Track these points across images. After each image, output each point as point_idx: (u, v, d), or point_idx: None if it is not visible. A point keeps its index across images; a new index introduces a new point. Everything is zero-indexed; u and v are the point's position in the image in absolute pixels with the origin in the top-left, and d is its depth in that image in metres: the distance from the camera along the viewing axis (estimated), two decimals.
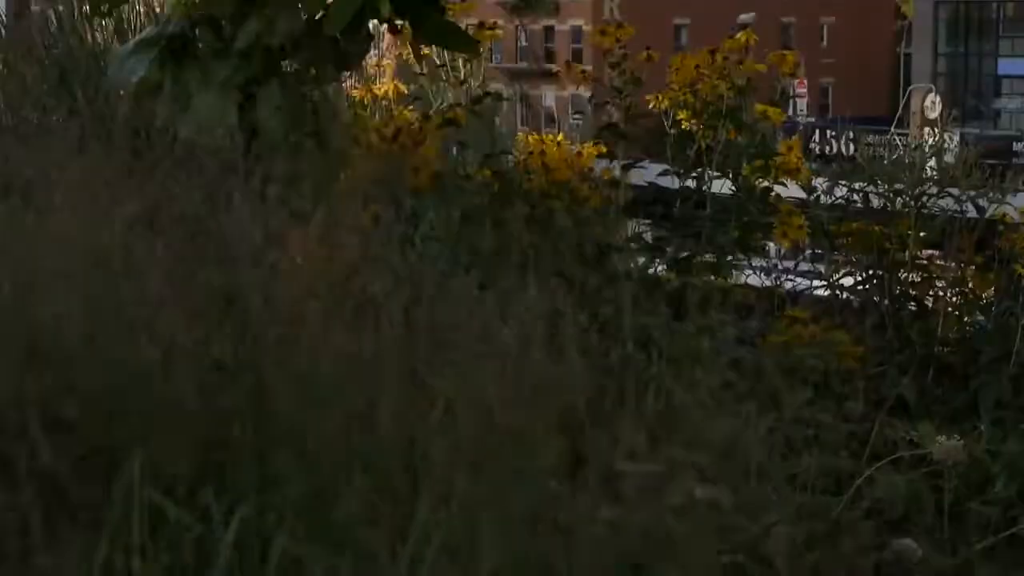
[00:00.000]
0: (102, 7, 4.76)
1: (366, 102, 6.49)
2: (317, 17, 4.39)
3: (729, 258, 5.76)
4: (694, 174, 5.94)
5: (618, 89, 5.94)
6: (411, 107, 6.27)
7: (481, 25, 6.20)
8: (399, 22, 4.45)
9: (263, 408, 2.68)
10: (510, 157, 6.03)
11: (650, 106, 6.12)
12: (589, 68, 6.52)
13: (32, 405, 2.55)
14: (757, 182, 5.93)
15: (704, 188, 5.91)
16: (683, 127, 6.02)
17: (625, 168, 5.79)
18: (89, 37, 7.75)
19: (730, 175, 5.96)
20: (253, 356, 2.80)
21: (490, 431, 2.57)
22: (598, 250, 5.18)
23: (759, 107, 6.09)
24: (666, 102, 6.06)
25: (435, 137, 5.56)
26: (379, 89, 6.47)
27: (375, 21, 4.65)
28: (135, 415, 2.63)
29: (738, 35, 6.14)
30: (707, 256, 5.68)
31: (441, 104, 6.33)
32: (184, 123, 4.53)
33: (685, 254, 5.67)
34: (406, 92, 6.63)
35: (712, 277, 5.55)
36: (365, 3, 4.26)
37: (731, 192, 5.95)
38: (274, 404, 2.69)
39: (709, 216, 5.73)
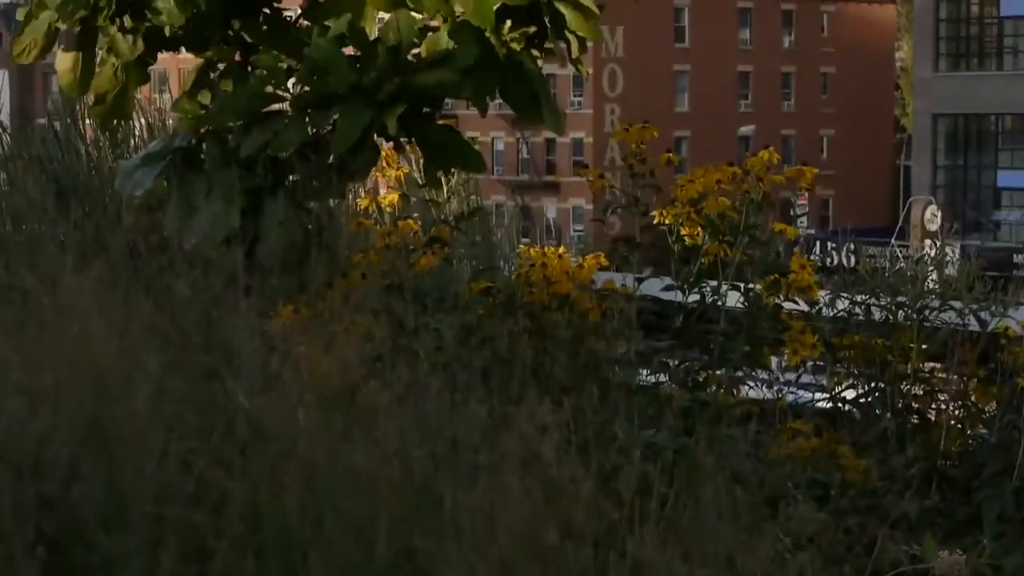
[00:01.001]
0: (108, 122, 4.80)
1: (371, 211, 6.52)
2: (323, 132, 4.43)
3: (739, 373, 5.77)
4: (699, 288, 5.96)
5: (635, 198, 5.96)
6: (414, 218, 6.29)
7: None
8: (404, 139, 4.49)
9: (255, 529, 2.67)
10: (512, 270, 6.05)
11: (655, 220, 6.14)
12: (604, 175, 6.54)
13: (20, 521, 2.53)
14: (769, 298, 5.95)
15: (710, 302, 5.92)
16: (687, 242, 6.05)
17: (639, 281, 5.82)
18: (91, 151, 7.81)
19: (741, 290, 5.98)
20: (248, 472, 2.79)
21: (503, 546, 2.56)
22: (601, 363, 5.18)
23: (777, 225, 6.14)
24: (670, 217, 6.08)
25: (435, 251, 5.58)
26: (384, 200, 6.50)
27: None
28: (119, 535, 2.62)
29: (761, 153, 6.20)
30: (717, 371, 5.69)
31: (444, 217, 6.36)
32: (189, 233, 4.55)
33: (697, 368, 5.67)
34: (411, 201, 6.66)
35: (721, 391, 5.55)
36: (372, 120, 4.30)
37: (740, 306, 5.96)
38: (266, 522, 2.67)
39: (720, 331, 5.74)
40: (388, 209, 6.42)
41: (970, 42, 61.75)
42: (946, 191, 61.54)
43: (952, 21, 61.77)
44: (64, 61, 4.57)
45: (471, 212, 6.28)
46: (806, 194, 6.75)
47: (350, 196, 6.92)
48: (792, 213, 6.69)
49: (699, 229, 6.06)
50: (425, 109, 4.43)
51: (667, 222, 6.09)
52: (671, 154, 6.20)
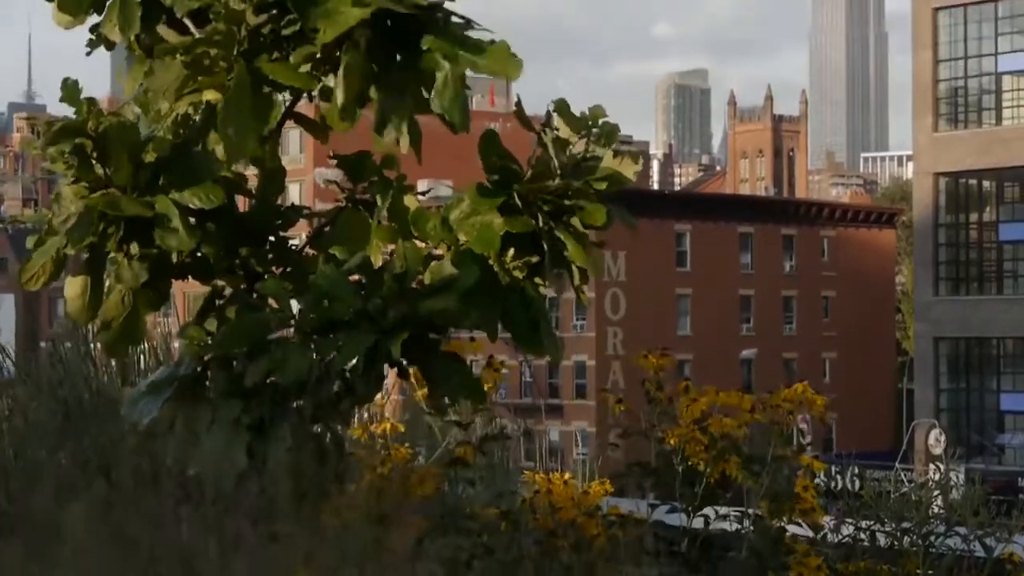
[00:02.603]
0: (115, 348, 4.82)
1: (363, 440, 6.51)
2: (327, 359, 4.45)
3: None
4: (702, 512, 5.95)
5: (652, 424, 5.99)
6: (415, 446, 6.30)
7: (489, 363, 6.27)
8: (408, 365, 4.53)
9: None
10: (517, 496, 6.04)
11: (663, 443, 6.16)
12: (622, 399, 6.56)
13: None
14: (773, 521, 5.95)
15: (715, 527, 5.92)
16: (691, 464, 6.05)
17: (652, 507, 5.81)
18: (97, 376, 7.83)
19: (744, 513, 5.98)
20: None
21: None
22: None
23: (803, 459, 6.17)
24: (675, 438, 6.10)
25: (435, 477, 5.58)
26: (377, 428, 6.50)
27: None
28: None
29: (796, 385, 6.27)
30: None
31: (447, 445, 6.36)
32: (194, 462, 4.54)
33: None
34: (403, 430, 6.66)
35: None
36: (377, 345, 4.32)
37: (745, 531, 5.95)
38: None
39: (726, 558, 5.72)
40: (382, 438, 6.42)
41: (970, 266, 62.25)
42: (949, 414, 61.48)
43: (951, 246, 62.35)
44: (73, 287, 4.60)
45: (496, 434, 6.29)
46: (807, 416, 6.78)
47: (355, 423, 6.93)
48: (800, 439, 6.68)
49: (703, 449, 6.07)
50: (431, 336, 4.45)
51: (672, 443, 6.11)
52: (688, 382, 6.25)
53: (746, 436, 6.12)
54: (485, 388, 5.14)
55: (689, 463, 6.07)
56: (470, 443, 5.97)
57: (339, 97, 4.34)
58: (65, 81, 4.30)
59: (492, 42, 4.46)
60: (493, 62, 4.42)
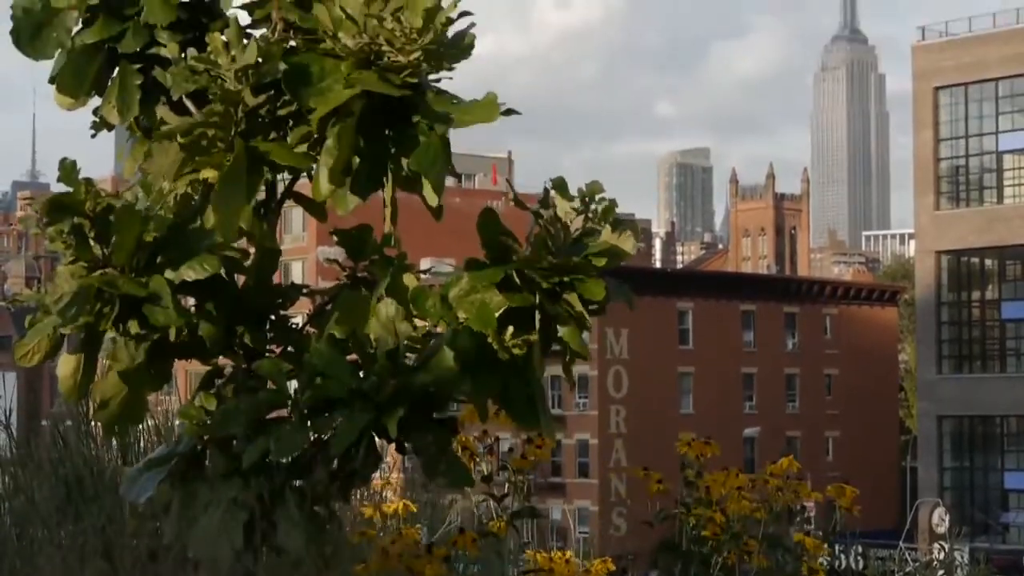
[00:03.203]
0: (113, 427, 4.82)
1: (375, 520, 6.49)
2: (326, 438, 4.44)
3: None
4: None
5: (686, 505, 6.01)
6: (420, 526, 6.29)
7: (486, 441, 6.25)
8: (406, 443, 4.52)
9: None
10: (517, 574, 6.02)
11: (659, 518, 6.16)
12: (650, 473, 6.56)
13: None
14: None
15: None
16: (708, 544, 6.07)
17: None
18: (97, 454, 7.83)
19: None
20: None
21: None
22: None
23: (796, 536, 6.18)
24: (692, 519, 6.11)
25: (441, 560, 5.56)
26: (388, 507, 6.49)
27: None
28: None
29: (781, 460, 6.29)
30: None
31: (449, 525, 6.34)
32: (192, 542, 4.53)
33: None
34: (415, 510, 6.65)
35: None
36: (372, 423, 4.32)
37: None
38: None
39: None
40: (392, 517, 6.40)
41: (972, 344, 62.26)
42: (953, 493, 61.29)
43: (954, 324, 62.38)
44: (65, 366, 4.61)
45: (527, 510, 6.28)
46: (812, 499, 6.79)
47: (354, 502, 6.91)
48: (805, 523, 6.69)
49: (719, 530, 6.08)
50: (434, 415, 4.45)
51: (689, 523, 6.12)
52: (739, 471, 6.27)
53: (763, 517, 6.13)
54: (471, 472, 5.12)
55: (709, 545, 6.09)
56: (503, 518, 5.99)
57: (325, 164, 4.36)
58: (63, 161, 4.32)
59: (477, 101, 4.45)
60: (474, 114, 4.42)
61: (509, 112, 4.47)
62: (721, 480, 6.12)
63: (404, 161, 4.44)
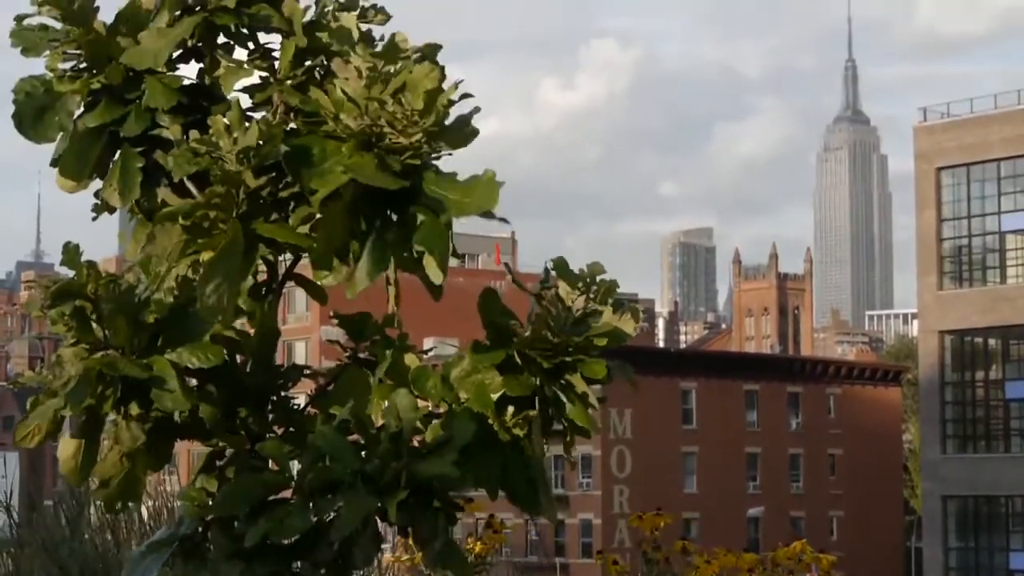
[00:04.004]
0: (113, 506, 4.81)
1: None
2: (327, 519, 4.43)
3: None
4: None
5: None
6: None
7: (489, 524, 6.24)
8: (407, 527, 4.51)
9: None
10: None
11: None
12: (618, 560, 6.55)
13: None
14: None
15: None
16: None
17: None
18: (98, 536, 7.80)
19: None
20: None
21: None
22: None
23: None
24: None
25: None
26: None
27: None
28: None
29: (793, 544, 6.28)
30: None
31: None
32: None
33: None
34: None
35: None
36: (375, 507, 4.31)
37: None
38: None
39: None
40: None
41: (977, 424, 62.13)
42: (958, 573, 61.00)
43: (958, 404, 62.28)
44: (66, 448, 4.60)
45: None
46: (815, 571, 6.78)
47: None
48: None
49: None
50: (434, 503, 4.44)
51: None
52: (685, 541, 6.24)
53: None
54: (471, 557, 5.11)
55: None
56: None
57: (315, 246, 4.39)
58: (66, 245, 4.35)
59: (476, 179, 4.47)
60: (475, 197, 4.43)
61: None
62: (721, 559, 6.10)
63: (408, 243, 4.46)
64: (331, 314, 5.36)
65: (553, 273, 4.84)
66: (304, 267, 4.87)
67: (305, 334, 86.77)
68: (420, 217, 4.36)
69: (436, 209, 4.34)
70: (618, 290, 4.94)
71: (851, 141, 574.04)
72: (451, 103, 4.23)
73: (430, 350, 5.66)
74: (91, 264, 4.31)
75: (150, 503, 7.76)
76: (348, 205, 4.28)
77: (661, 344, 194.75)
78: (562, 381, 4.60)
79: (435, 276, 4.46)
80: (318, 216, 4.36)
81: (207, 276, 4.29)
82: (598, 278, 4.83)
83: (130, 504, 5.03)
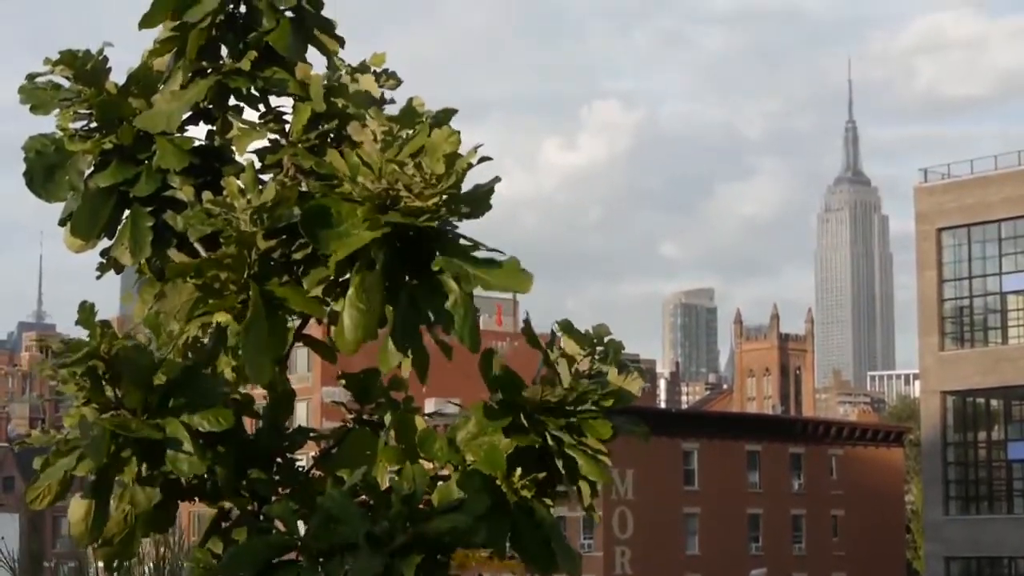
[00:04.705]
0: (113, 564, 4.81)
1: None
2: None
3: None
4: None
5: None
6: None
7: None
8: None
9: None
10: None
11: None
12: None
13: None
14: None
15: None
16: None
17: None
18: None
19: None
20: None
21: None
22: None
23: None
24: None
25: None
26: None
27: None
28: None
29: None
30: None
31: None
32: None
33: None
34: None
35: None
36: (386, 569, 4.31)
37: None
38: None
39: None
40: None
41: (979, 485, 61.88)
42: None
43: (960, 464, 62.05)
44: (77, 510, 4.59)
45: None
46: None
47: None
48: None
49: None
50: (439, 557, 4.43)
51: None
52: None
53: None
54: None
55: None
56: None
57: (353, 319, 4.39)
58: (82, 304, 4.36)
59: (500, 261, 4.52)
60: (504, 278, 4.48)
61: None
62: None
63: (430, 309, 4.48)
64: (338, 374, 5.36)
65: (559, 335, 4.85)
66: (311, 327, 4.87)
67: (306, 395, 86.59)
68: (447, 288, 4.38)
69: (461, 276, 4.36)
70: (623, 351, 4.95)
71: (852, 201, 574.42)
72: (469, 167, 4.25)
73: (434, 413, 5.66)
74: (105, 324, 4.32)
75: (156, 564, 7.73)
76: (384, 271, 4.30)
77: (663, 404, 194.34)
78: (573, 440, 4.61)
79: (471, 348, 4.51)
80: (334, 277, 4.38)
81: (245, 343, 4.29)
82: (605, 339, 4.84)
83: (127, 562, 5.02)
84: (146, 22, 5.20)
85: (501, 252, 4.54)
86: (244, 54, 4.79)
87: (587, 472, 4.61)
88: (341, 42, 5.24)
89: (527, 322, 5.03)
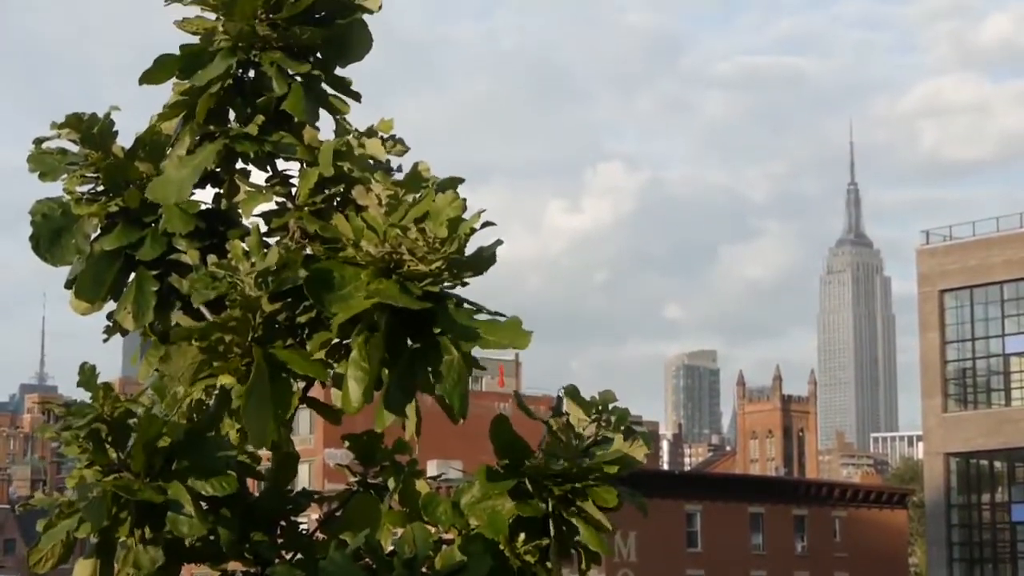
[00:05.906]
0: None
1: None
2: None
3: None
4: None
5: None
6: None
7: None
8: None
9: None
10: None
11: None
12: None
13: None
14: None
15: None
16: None
17: None
18: None
19: None
20: None
21: None
22: None
23: None
24: None
25: None
26: None
27: None
28: None
29: None
30: None
31: None
32: None
33: None
34: None
35: None
36: None
37: None
38: None
39: None
40: None
41: (983, 547, 61.70)
42: None
43: (964, 526, 61.88)
44: (82, 572, 4.59)
45: None
46: None
47: None
48: None
49: None
50: None
51: None
52: None
53: None
54: None
55: None
56: None
57: (355, 379, 4.39)
58: (83, 367, 4.36)
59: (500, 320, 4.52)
60: (503, 335, 4.48)
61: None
62: None
63: (427, 370, 4.48)
64: (343, 436, 5.36)
65: (565, 400, 4.85)
66: (315, 389, 4.88)
67: (309, 456, 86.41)
68: (445, 350, 4.39)
69: (461, 338, 4.37)
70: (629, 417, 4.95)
71: (854, 264, 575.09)
72: (473, 231, 4.27)
73: (438, 476, 5.66)
74: (107, 386, 4.32)
75: None
76: (386, 334, 4.31)
77: (665, 466, 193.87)
78: (574, 507, 4.60)
79: (458, 415, 4.51)
80: (337, 340, 4.39)
81: (247, 406, 4.30)
82: (610, 406, 4.84)
83: None
84: (147, 79, 5.22)
85: (503, 315, 4.55)
86: (252, 118, 4.81)
87: (587, 541, 4.60)
88: (357, 97, 5.27)
89: (517, 393, 5.08)
